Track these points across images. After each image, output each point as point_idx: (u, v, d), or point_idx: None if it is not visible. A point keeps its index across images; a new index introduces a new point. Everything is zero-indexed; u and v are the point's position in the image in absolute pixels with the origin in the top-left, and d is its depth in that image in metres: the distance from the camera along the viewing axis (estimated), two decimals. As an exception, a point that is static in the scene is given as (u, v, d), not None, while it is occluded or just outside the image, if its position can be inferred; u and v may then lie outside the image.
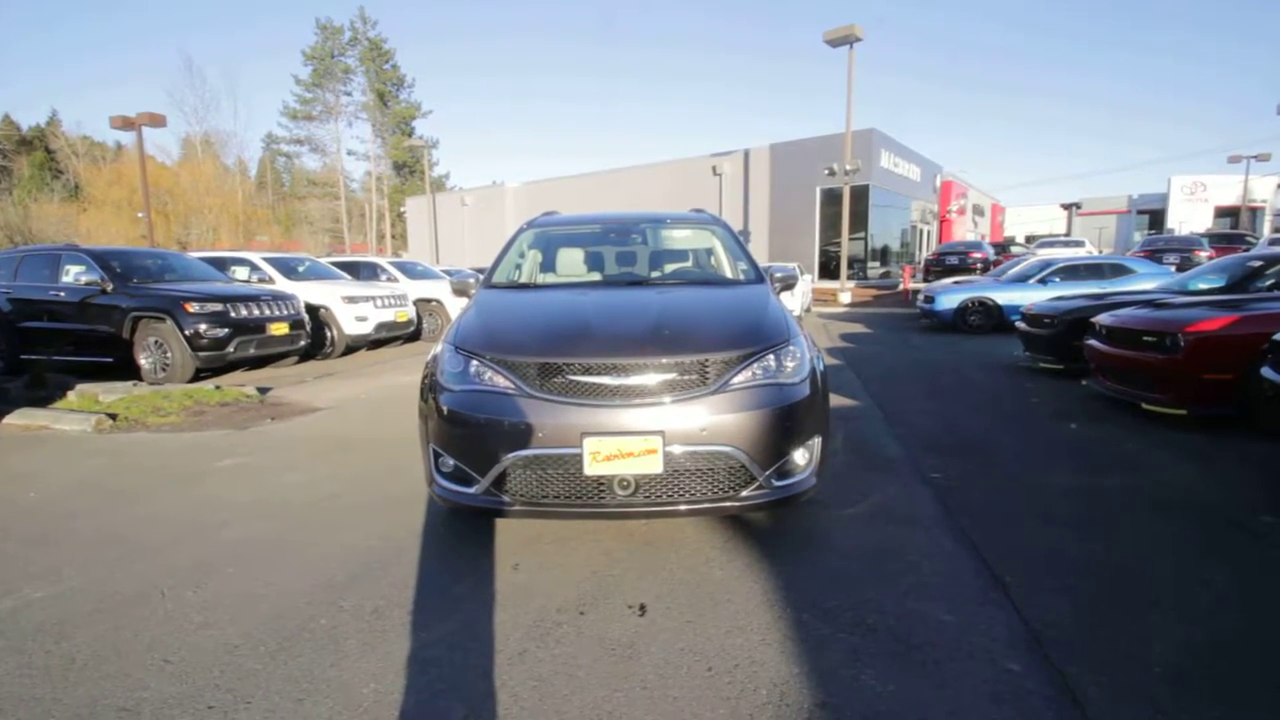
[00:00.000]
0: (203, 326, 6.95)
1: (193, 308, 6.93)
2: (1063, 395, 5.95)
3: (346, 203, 45.05)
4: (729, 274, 3.76)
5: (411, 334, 10.92)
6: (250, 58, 77.21)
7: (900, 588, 2.43)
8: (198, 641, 2.13)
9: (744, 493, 2.54)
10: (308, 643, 2.11)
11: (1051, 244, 19.80)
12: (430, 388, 2.79)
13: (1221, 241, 17.22)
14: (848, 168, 17.74)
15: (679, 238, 4.33)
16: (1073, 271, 11.12)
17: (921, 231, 26.91)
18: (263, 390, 6.64)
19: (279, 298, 7.97)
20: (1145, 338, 4.95)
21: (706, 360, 2.56)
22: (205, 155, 37.55)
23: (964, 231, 30.19)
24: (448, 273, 14.11)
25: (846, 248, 19.00)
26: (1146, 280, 10.25)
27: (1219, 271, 7.50)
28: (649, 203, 25.39)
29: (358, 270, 11.79)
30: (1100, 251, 23.40)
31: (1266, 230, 27.84)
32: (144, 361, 7.04)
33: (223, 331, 7.10)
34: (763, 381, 2.59)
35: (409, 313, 10.36)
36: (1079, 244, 19.55)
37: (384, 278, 11.95)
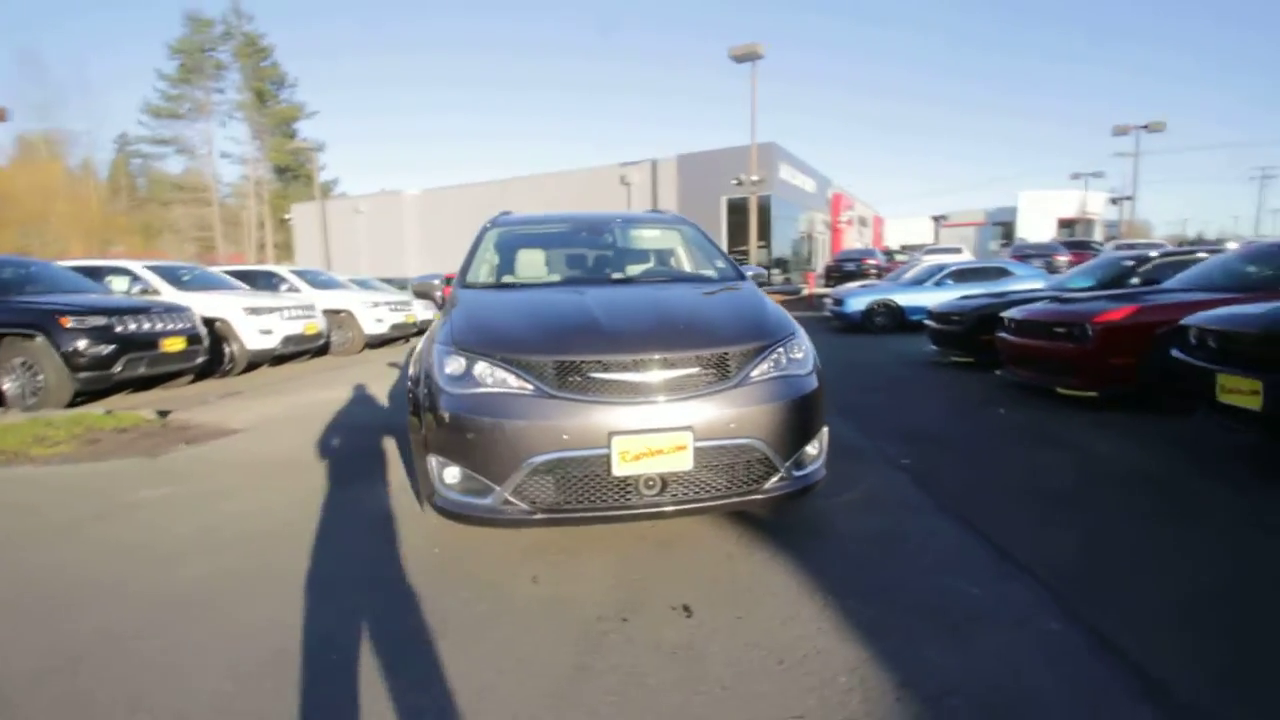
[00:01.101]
0: (83, 343, 6.07)
1: (70, 322, 6.04)
2: (980, 385, 6.47)
3: (220, 209, 41.15)
4: (708, 272, 3.77)
5: (320, 348, 10.13)
6: (105, 49, 69.18)
7: (919, 567, 2.51)
8: (197, 685, 1.82)
9: (767, 485, 2.54)
10: (333, 683, 1.86)
11: (934, 251, 21.65)
12: (427, 393, 2.58)
13: (1075, 248, 19.53)
14: (753, 178, 18.49)
15: (651, 236, 4.30)
16: (963, 275, 12.18)
17: (816, 240, 28.52)
18: (162, 413, 5.90)
19: (172, 310, 7.13)
20: (1056, 329, 5.47)
21: (727, 353, 2.54)
22: (49, 155, 33.07)
23: (853, 241, 32.31)
24: (357, 283, 13.26)
25: (755, 255, 19.76)
26: (1024, 281, 11.39)
27: (1095, 271, 8.49)
28: (559, 209, 25.21)
29: (254, 279, 10.79)
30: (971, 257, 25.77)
31: (1099, 237, 31.86)
32: (8, 386, 6.04)
33: (108, 349, 6.23)
34: (779, 374, 2.61)
35: (319, 324, 9.61)
36: (957, 250, 21.49)
37: (284, 288, 11.02)
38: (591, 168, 25.21)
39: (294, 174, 43.86)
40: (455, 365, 2.54)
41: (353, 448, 4.63)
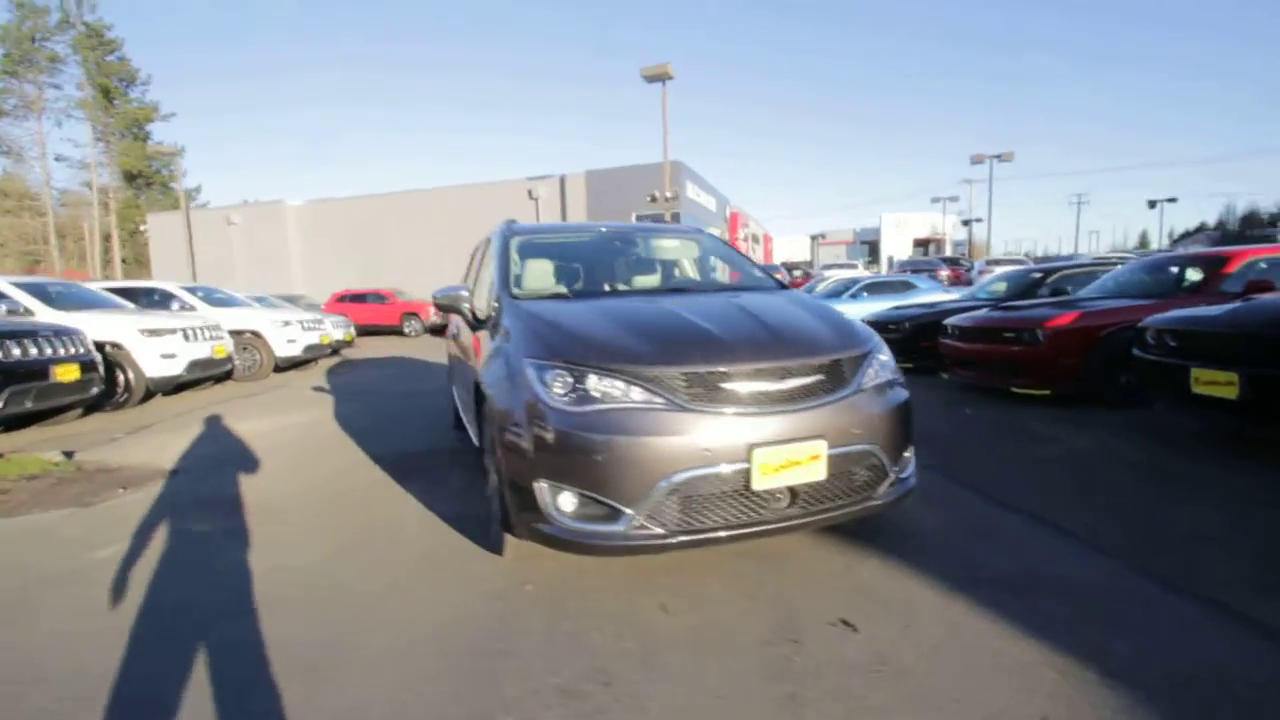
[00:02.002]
0: (-47, 375, 4.99)
1: (-66, 349, 4.94)
2: (933, 388, 6.94)
3: (53, 220, 35.60)
4: (753, 280, 3.74)
5: (222, 374, 9.01)
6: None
7: (1004, 551, 2.63)
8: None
9: (879, 491, 2.54)
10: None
11: (832, 267, 23.17)
12: (525, 413, 2.34)
13: (949, 264, 21.66)
14: (667, 195, 18.87)
15: (675, 246, 4.20)
16: (875, 288, 13.08)
17: (718, 256, 29.57)
18: (67, 454, 4.97)
19: (62, 333, 6.05)
20: (1005, 334, 5.99)
21: (840, 360, 2.52)
22: None
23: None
24: (258, 300, 11.98)
25: (668, 270, 20.13)
26: (926, 294, 12.44)
27: (1003, 282, 9.43)
28: (462, 225, 24.27)
29: (136, 297, 9.43)
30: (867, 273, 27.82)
31: (949, 254, 35.29)
32: None
33: (-14, 380, 5.17)
34: (884, 379, 2.63)
35: (228, 346, 8.57)
36: (854, 266, 23.12)
37: (176, 306, 9.73)
38: (497, 181, 24.55)
39: (147, 181, 38.89)
40: (562, 381, 2.33)
41: (336, 487, 4.13)
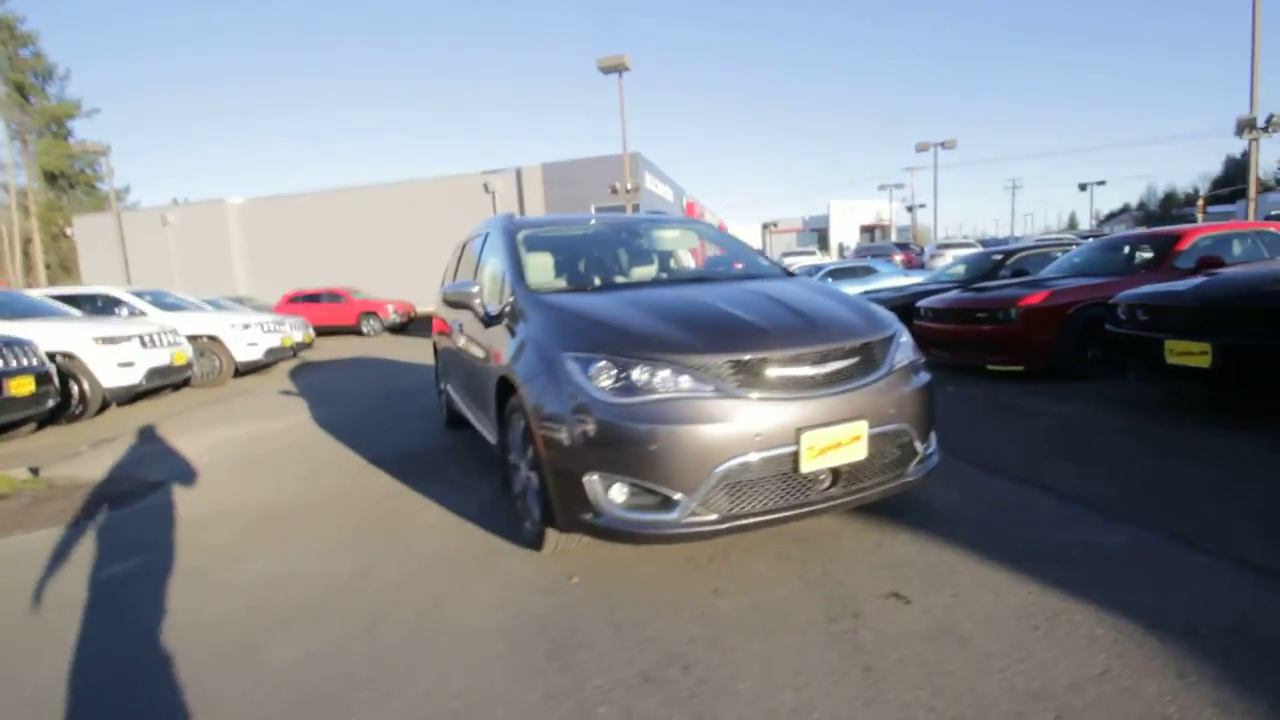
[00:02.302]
0: (-104, 392, 4.61)
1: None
2: (909, 368, 7.17)
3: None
4: (764, 267, 3.79)
5: (181, 381, 8.59)
6: None
7: (1022, 521, 2.78)
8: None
9: (909, 469, 2.63)
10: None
11: (792, 254, 23.61)
12: (572, 407, 2.33)
13: (902, 249, 22.36)
14: (628, 187, 18.84)
15: (677, 237, 4.22)
16: (839, 273, 13.41)
17: (677, 246, 29.67)
18: (33, 471, 4.67)
19: (13, 344, 5.66)
20: (979, 314, 6.24)
21: (871, 343, 2.59)
22: None
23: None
24: (210, 303, 11.44)
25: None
26: (888, 278, 12.83)
27: (962, 265, 9.80)
28: (417, 220, 23.72)
29: (79, 304, 8.88)
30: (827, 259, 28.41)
31: (895, 239, 36.33)
32: None
33: (-68, 397, 4.80)
34: (908, 361, 2.72)
35: (187, 352, 8.17)
36: (811, 253, 23.61)
37: (124, 312, 9.21)
38: (452, 175, 23.96)
39: (70, 181, 36.34)
40: (607, 373, 2.33)
41: (349, 494, 4.02)
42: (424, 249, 23.95)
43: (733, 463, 2.22)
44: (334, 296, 19.00)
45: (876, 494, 2.54)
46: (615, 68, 17.73)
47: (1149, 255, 6.28)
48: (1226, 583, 2.18)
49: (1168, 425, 4.11)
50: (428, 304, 21.55)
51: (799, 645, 1.98)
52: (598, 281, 3.42)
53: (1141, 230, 7.49)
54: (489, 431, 3.47)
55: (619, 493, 2.29)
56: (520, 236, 3.64)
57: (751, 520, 2.30)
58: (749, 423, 2.25)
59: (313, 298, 18.97)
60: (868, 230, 47.78)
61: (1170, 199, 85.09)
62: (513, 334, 2.97)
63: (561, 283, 3.35)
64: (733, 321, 2.55)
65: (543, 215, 4.14)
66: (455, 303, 3.38)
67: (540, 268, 3.44)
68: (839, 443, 2.34)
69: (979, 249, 17.40)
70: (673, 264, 3.96)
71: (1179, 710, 1.59)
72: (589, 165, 22.30)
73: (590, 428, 2.28)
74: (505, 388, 2.95)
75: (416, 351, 13.02)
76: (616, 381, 2.31)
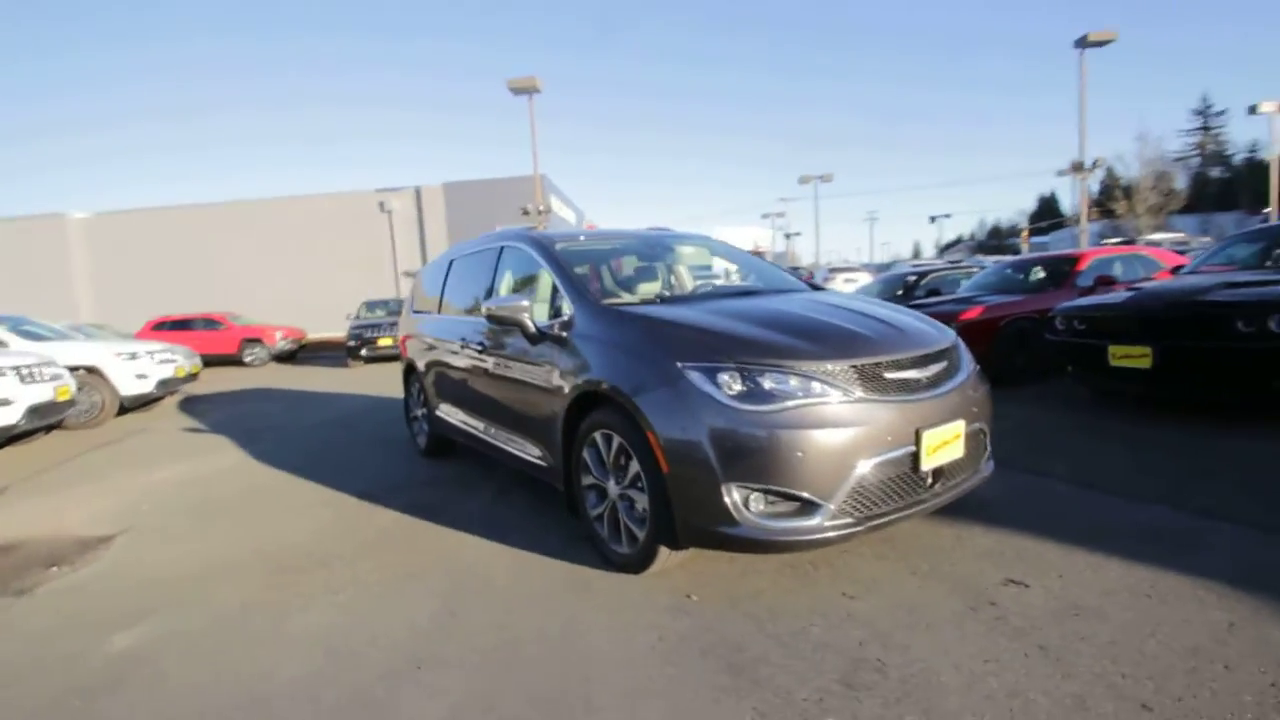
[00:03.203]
0: None
1: None
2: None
3: None
4: (792, 279, 3.92)
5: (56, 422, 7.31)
6: None
7: (1063, 508, 3.07)
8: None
9: (982, 464, 2.84)
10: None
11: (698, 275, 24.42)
12: (708, 418, 2.29)
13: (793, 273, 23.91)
14: (541, 208, 18.68)
15: (698, 253, 4.25)
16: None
17: (578, 269, 29.74)
18: (-81, 536, 3.79)
19: None
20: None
21: (951, 348, 2.79)
22: None
23: (605, 269, 34.47)
24: (77, 330, 9.88)
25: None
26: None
27: (878, 285, 10.66)
28: (304, 240, 22.02)
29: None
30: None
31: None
32: None
33: None
34: (974, 365, 2.94)
35: (71, 387, 7.01)
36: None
37: (-26, 342, 7.73)
38: (343, 193, 22.44)
39: None
40: (736, 381, 2.32)
41: (357, 530, 3.65)
42: (312, 271, 22.28)
43: (869, 464, 2.29)
44: (210, 323, 17.06)
45: (964, 489, 2.70)
46: (525, 89, 17.64)
47: (1055, 275, 7.21)
48: (1258, 542, 2.55)
49: (1115, 420, 4.71)
50: (322, 329, 20.00)
51: (964, 635, 2.06)
52: (660, 295, 3.39)
53: (1046, 255, 8.55)
54: (536, 453, 3.30)
55: (757, 502, 2.28)
56: (559, 250, 3.53)
57: (881, 520, 2.37)
58: (879, 425, 2.33)
59: (183, 324, 16.90)
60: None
61: (995, 231, 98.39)
62: (584, 349, 2.88)
63: (625, 295, 3.29)
64: (837, 329, 2.64)
65: (567, 229, 4.02)
66: (504, 319, 3.20)
67: (604, 281, 3.36)
68: (946, 441, 2.49)
69: (864, 273, 19.10)
70: (715, 277, 4.00)
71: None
72: (494, 186, 21.86)
73: (727, 438, 2.26)
74: (583, 404, 2.84)
75: (321, 380, 12.03)
76: (747, 390, 2.31)
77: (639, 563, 2.62)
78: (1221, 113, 61.78)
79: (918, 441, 2.39)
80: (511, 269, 3.96)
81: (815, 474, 2.24)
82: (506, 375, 3.53)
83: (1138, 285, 5.38)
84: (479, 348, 3.81)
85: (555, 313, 3.22)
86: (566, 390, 2.92)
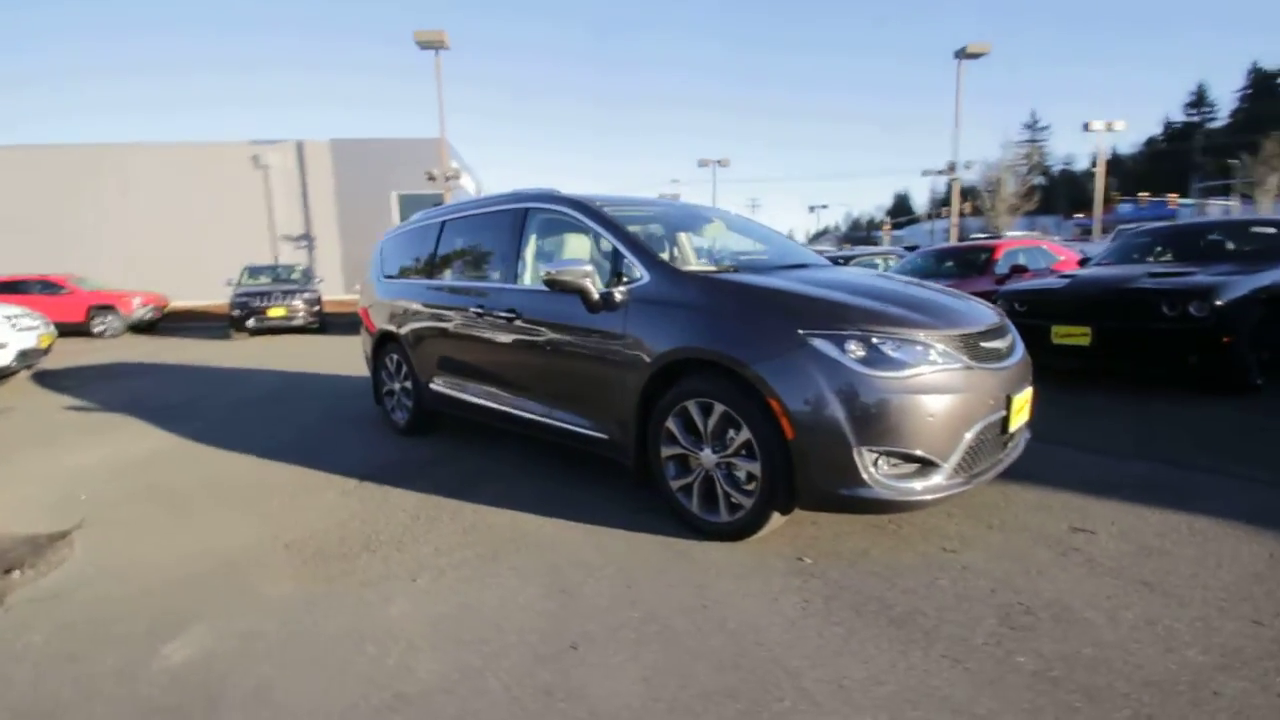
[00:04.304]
0: None
1: None
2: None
3: None
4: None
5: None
6: None
7: (1069, 468, 3.46)
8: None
9: (1027, 428, 3.12)
10: None
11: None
12: (840, 383, 2.34)
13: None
14: (450, 172, 17.64)
15: (721, 226, 4.20)
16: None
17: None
18: None
19: None
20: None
21: (1007, 320, 3.02)
22: None
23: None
24: None
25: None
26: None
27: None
28: (165, 195, 19.25)
29: None
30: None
31: None
32: None
33: None
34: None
35: (52, 334, 5.74)
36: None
37: None
38: (210, 144, 19.75)
39: None
40: (862, 348, 2.39)
41: (385, 513, 3.35)
42: (173, 231, 19.55)
43: (979, 426, 2.45)
44: (49, 286, 14.51)
45: (1022, 449, 2.96)
46: (433, 44, 16.48)
47: (977, 263, 7.98)
48: (1242, 489, 3.03)
49: (1072, 394, 5.31)
50: (188, 297, 17.72)
51: (1073, 577, 2.29)
52: (726, 265, 3.35)
53: (966, 244, 9.41)
54: (589, 425, 3.18)
55: (886, 463, 2.37)
56: (609, 212, 3.38)
57: (980, 479, 2.55)
58: (985, 390, 2.50)
59: (13, 286, 14.24)
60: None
61: (856, 224, 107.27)
62: (667, 316, 2.81)
63: (707, 263, 3.23)
64: (933, 301, 2.78)
65: (599, 194, 3.84)
66: (565, 284, 3.02)
67: (672, 248, 3.26)
68: (1024, 405, 2.73)
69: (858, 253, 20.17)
70: (749, 248, 3.99)
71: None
72: (391, 147, 20.33)
73: (859, 403, 2.32)
74: (669, 373, 2.78)
75: (208, 354, 10.73)
76: (874, 357, 2.38)
77: (741, 530, 2.63)
78: (1046, 127, 70.98)
79: (1008, 406, 2.59)
80: (540, 232, 3.74)
81: (939, 436, 2.37)
82: (551, 345, 3.35)
83: (1067, 274, 6.09)
84: (507, 316, 3.58)
85: (618, 278, 3.10)
86: (648, 359, 2.83)
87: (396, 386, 4.83)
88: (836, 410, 2.33)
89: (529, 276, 3.66)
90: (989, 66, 25.26)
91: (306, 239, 20.93)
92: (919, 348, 2.43)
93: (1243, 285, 4.76)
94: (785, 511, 2.54)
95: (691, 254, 3.66)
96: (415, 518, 3.16)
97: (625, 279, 3.06)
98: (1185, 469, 3.31)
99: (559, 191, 3.73)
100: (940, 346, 2.46)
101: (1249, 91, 61.89)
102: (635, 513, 3.05)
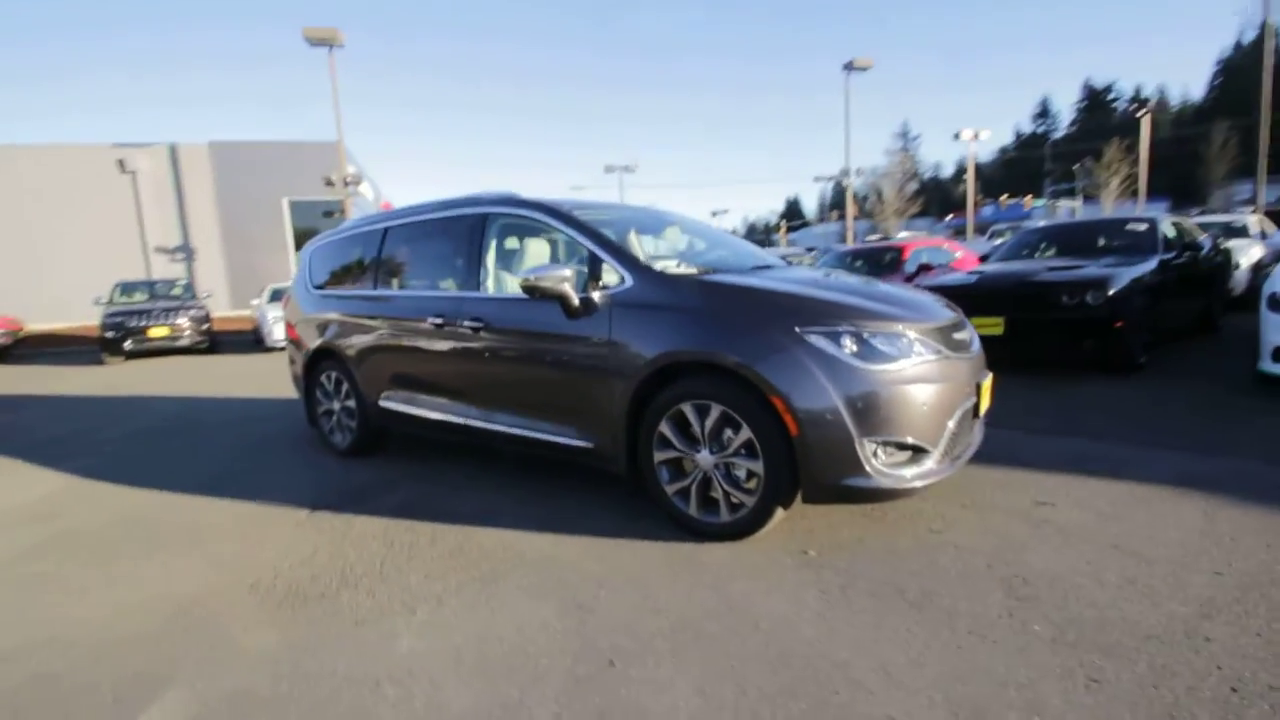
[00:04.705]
0: None
1: None
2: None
3: None
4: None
5: None
6: None
7: (1035, 449, 3.77)
8: None
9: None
10: None
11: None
12: (839, 377, 2.43)
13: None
14: (349, 178, 16.65)
15: (678, 229, 4.20)
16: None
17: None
18: None
19: None
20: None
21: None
22: None
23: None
24: None
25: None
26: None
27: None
28: (15, 203, 16.91)
29: None
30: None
31: None
32: None
33: None
34: (964, 328, 3.45)
35: None
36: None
37: None
38: (67, 145, 17.45)
39: None
40: (854, 343, 2.49)
41: (358, 548, 3.10)
42: (18, 246, 17.17)
43: (958, 413, 2.62)
44: None
45: (983, 434, 3.18)
46: (325, 41, 15.52)
47: (888, 262, 8.52)
48: (1164, 457, 3.42)
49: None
50: (42, 319, 15.69)
51: (1053, 547, 2.48)
52: (701, 266, 3.36)
53: (875, 244, 10.01)
54: (571, 435, 3.10)
55: (884, 453, 2.47)
56: (580, 216, 3.32)
57: (960, 462, 2.71)
58: (961, 378, 2.68)
59: None
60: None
61: (753, 228, 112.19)
62: (655, 319, 2.81)
63: (681, 267, 3.21)
64: (906, 297, 2.93)
65: (568, 199, 3.74)
66: (545, 290, 2.94)
67: (652, 250, 3.23)
68: (988, 391, 2.93)
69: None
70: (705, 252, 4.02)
71: None
72: (282, 151, 18.93)
73: (859, 396, 2.41)
74: (659, 377, 2.76)
75: (83, 382, 9.58)
76: (867, 351, 2.48)
77: (745, 528, 2.66)
78: (916, 137, 77.19)
79: (978, 392, 2.78)
80: (502, 237, 3.62)
81: (928, 424, 2.50)
82: (526, 354, 3.25)
83: (975, 271, 6.63)
84: (473, 326, 3.43)
85: (594, 283, 3.04)
86: (638, 363, 2.81)
87: (336, 406, 4.49)
88: (838, 404, 2.41)
89: (493, 284, 3.53)
90: (871, 78, 27.36)
91: (184, 251, 19.05)
92: (905, 341, 2.56)
93: (1127, 276, 5.38)
94: (787, 506, 2.60)
95: (670, 258, 3.66)
96: (389, 545, 2.95)
97: (602, 283, 3.02)
98: (1109, 443, 3.69)
99: (519, 195, 3.62)
100: (922, 339, 2.61)
101: (1084, 104, 70.31)
102: (627, 520, 3.01)
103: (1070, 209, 46.83)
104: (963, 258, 9.21)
